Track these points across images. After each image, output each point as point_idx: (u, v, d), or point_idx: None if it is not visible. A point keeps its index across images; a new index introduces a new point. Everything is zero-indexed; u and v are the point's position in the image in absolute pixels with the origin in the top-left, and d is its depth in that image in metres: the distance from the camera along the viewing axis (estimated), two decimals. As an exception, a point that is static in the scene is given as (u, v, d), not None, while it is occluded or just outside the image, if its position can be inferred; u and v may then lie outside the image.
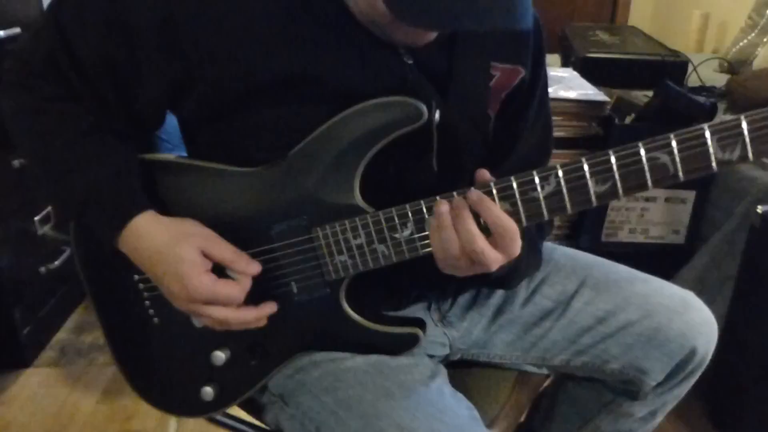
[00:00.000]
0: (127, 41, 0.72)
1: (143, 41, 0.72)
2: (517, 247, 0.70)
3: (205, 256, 0.73)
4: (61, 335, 1.96)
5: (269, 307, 0.77)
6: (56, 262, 1.86)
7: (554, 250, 0.97)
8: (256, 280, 0.75)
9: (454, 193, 0.70)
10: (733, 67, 2.48)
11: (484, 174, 0.70)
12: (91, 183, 0.75)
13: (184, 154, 0.86)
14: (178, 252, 0.72)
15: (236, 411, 0.93)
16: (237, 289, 0.74)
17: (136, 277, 0.82)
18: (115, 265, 0.81)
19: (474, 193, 0.68)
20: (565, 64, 2.39)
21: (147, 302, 0.83)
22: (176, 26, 0.71)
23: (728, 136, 0.63)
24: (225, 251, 0.74)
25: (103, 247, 0.76)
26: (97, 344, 1.92)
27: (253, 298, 0.76)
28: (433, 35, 0.73)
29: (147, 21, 0.71)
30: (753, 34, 2.53)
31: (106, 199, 0.75)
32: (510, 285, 0.89)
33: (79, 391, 1.74)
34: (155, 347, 0.86)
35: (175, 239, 0.73)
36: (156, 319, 0.84)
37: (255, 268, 0.75)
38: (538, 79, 0.87)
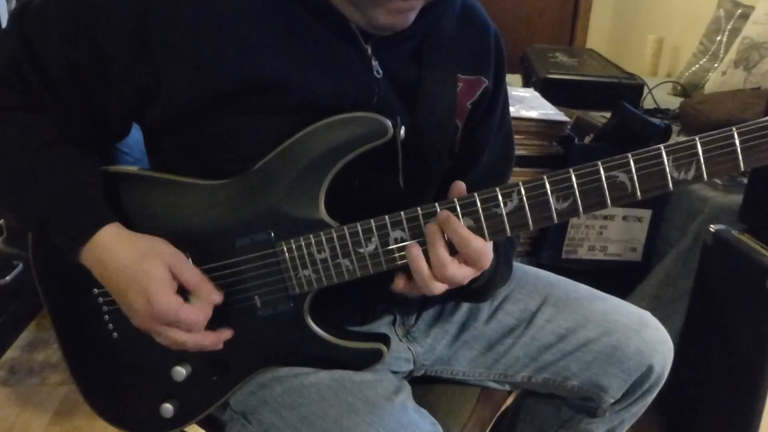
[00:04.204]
0: (94, 46, 0.71)
1: (112, 46, 0.71)
2: (486, 261, 0.72)
3: (173, 276, 0.72)
4: (12, 353, 1.90)
5: (226, 334, 0.77)
6: (7, 278, 1.80)
7: (517, 269, 0.99)
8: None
9: (418, 209, 0.71)
10: (686, 90, 2.57)
11: (460, 186, 0.71)
12: (53, 195, 0.73)
13: (146, 167, 0.84)
14: (146, 268, 0.71)
15: (195, 429, 0.91)
16: (201, 316, 0.73)
17: (96, 290, 0.80)
18: (74, 277, 0.79)
19: (443, 213, 0.69)
20: (526, 84, 2.44)
21: (106, 316, 0.81)
22: (146, 29, 0.70)
23: (683, 156, 0.65)
24: (192, 275, 0.74)
25: (62, 259, 0.75)
26: (49, 363, 1.86)
27: (215, 312, 0.75)
28: (413, 15, 0.73)
29: (116, 25, 0.70)
30: (704, 60, 2.63)
31: (69, 212, 0.73)
32: (483, 298, 0.91)
33: (30, 411, 1.68)
34: (114, 362, 0.84)
35: (144, 255, 0.72)
36: (115, 334, 0.82)
37: (218, 297, 0.75)
38: (500, 90, 0.89)
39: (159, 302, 0.70)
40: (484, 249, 0.71)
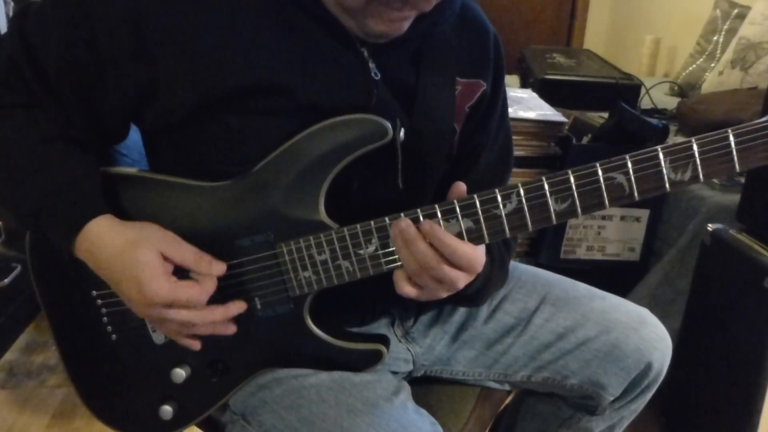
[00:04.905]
0: (93, 47, 0.71)
1: (110, 46, 0.71)
2: (478, 264, 0.71)
3: (165, 259, 0.71)
4: (10, 356, 1.89)
5: (237, 306, 0.76)
6: (5, 280, 1.79)
7: (516, 268, 0.99)
8: (219, 295, 0.74)
9: (418, 210, 0.71)
10: (683, 90, 2.58)
11: (461, 187, 0.71)
12: (48, 188, 0.73)
13: (145, 168, 0.84)
14: (135, 256, 0.70)
15: (194, 431, 0.91)
16: (198, 289, 0.71)
17: (94, 292, 0.80)
18: (72, 279, 0.79)
19: (425, 224, 0.69)
20: (524, 85, 2.45)
21: (105, 318, 0.81)
22: (145, 30, 0.70)
23: (680, 157, 0.66)
24: (186, 253, 0.73)
25: (59, 260, 0.74)
26: (47, 365, 1.86)
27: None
28: (407, 24, 0.73)
29: (115, 25, 0.70)
30: (701, 60, 2.63)
31: (62, 204, 0.73)
32: (478, 303, 0.91)
33: (28, 414, 1.67)
34: (113, 365, 0.83)
35: (133, 243, 0.71)
36: (114, 336, 0.82)
37: (219, 268, 0.74)
38: (499, 93, 0.89)
39: (151, 287, 0.69)
40: (474, 254, 0.70)
